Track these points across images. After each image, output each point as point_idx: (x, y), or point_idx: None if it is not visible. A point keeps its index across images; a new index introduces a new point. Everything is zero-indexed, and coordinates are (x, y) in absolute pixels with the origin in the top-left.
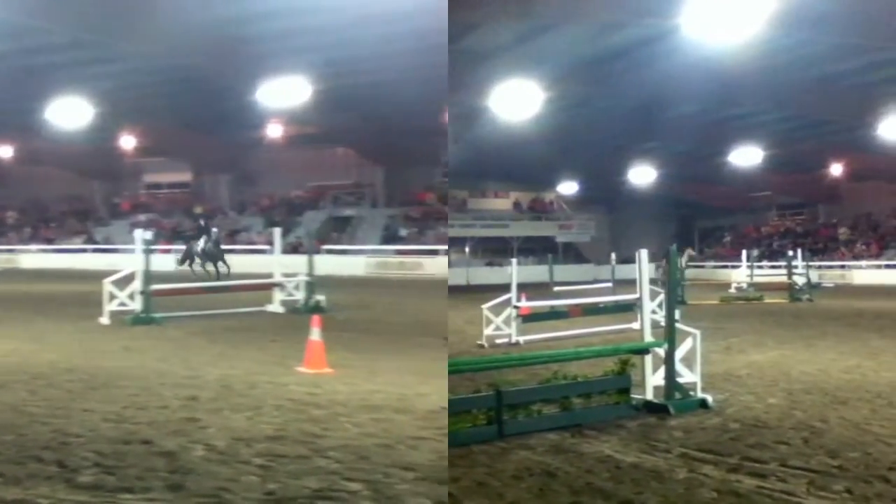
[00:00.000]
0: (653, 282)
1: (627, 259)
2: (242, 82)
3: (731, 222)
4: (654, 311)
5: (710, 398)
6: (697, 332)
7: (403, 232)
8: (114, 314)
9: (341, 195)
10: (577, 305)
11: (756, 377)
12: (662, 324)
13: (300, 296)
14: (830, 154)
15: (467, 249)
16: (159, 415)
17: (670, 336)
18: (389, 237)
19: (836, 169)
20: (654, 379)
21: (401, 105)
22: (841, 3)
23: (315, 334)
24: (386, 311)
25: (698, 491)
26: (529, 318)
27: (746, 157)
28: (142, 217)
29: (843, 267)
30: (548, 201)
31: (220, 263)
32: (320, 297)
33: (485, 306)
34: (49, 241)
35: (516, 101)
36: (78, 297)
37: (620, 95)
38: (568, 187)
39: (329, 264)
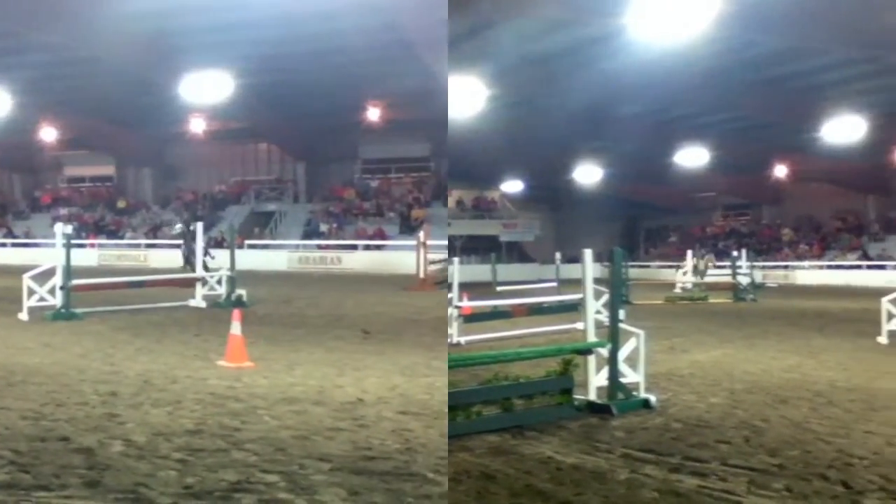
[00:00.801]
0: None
1: (573, 259)
2: (165, 76)
3: (676, 222)
4: (598, 311)
5: (652, 398)
6: (641, 333)
7: (324, 227)
8: (33, 310)
9: (263, 190)
10: (520, 305)
11: (699, 377)
12: (607, 324)
13: (222, 290)
14: (775, 155)
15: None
16: (78, 411)
17: (613, 336)
18: (311, 232)
19: (780, 170)
20: (598, 379)
21: (321, 102)
22: (788, 7)
23: (236, 328)
24: (307, 305)
25: (639, 491)
26: (471, 318)
27: (692, 157)
28: (63, 211)
29: (786, 267)
30: (491, 199)
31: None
32: (242, 292)
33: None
34: None
35: (460, 98)
36: None
37: (566, 94)
38: (512, 186)
39: (251, 259)
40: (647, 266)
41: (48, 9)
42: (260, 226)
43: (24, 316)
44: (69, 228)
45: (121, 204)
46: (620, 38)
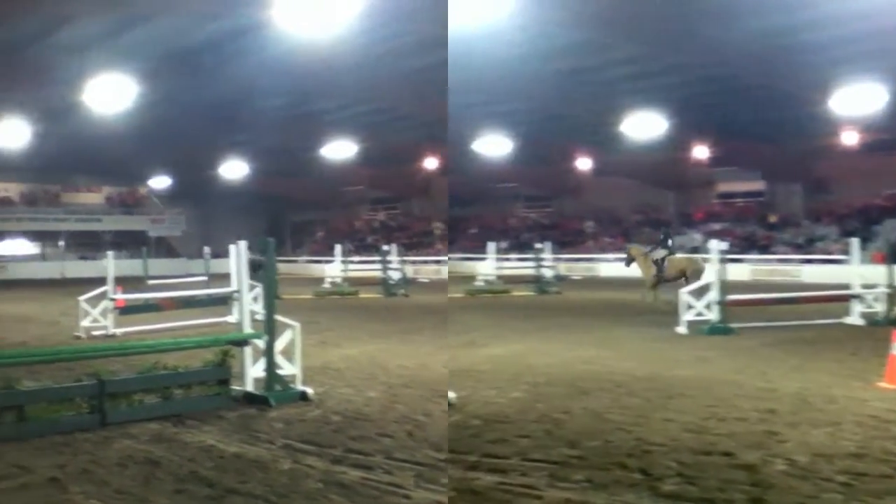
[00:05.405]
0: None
1: (219, 254)
2: (809, 90)
3: (323, 217)
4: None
5: (310, 390)
6: (297, 325)
7: None
8: (691, 324)
9: None
10: (172, 298)
11: (353, 369)
12: (259, 317)
13: (880, 308)
14: (424, 149)
15: (62, 243)
16: (738, 426)
17: (269, 328)
18: None
19: (429, 163)
20: (254, 371)
21: None
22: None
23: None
24: None
25: (304, 481)
26: (126, 311)
27: (339, 150)
28: (716, 226)
29: (438, 262)
30: (140, 195)
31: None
32: None
33: (81, 298)
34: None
35: (110, 95)
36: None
37: (210, 88)
38: (160, 181)
39: None
40: (295, 261)
41: (684, 31)
42: None
43: (682, 329)
44: (724, 244)
45: (771, 219)
46: (266, 30)
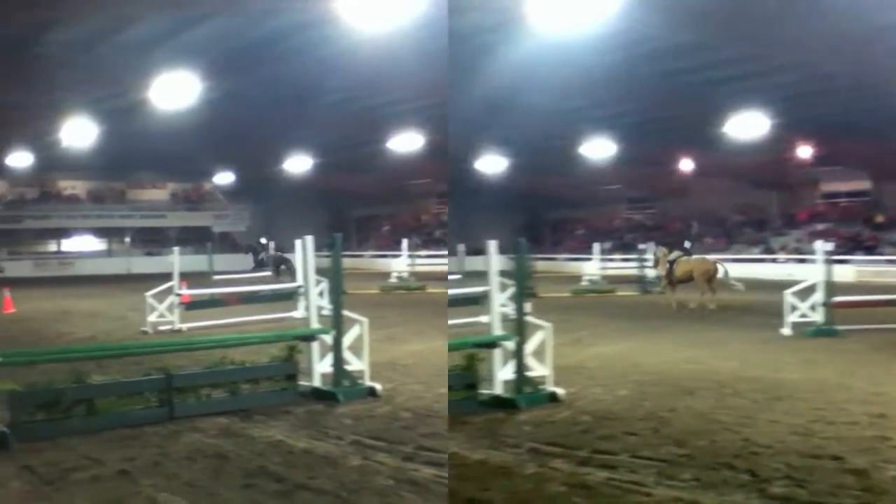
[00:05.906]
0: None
1: (283, 248)
2: None
3: (388, 211)
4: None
5: (378, 387)
6: (365, 320)
7: None
8: (795, 325)
9: None
10: (238, 293)
11: (422, 365)
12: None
13: None
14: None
15: (128, 240)
16: (848, 431)
17: (337, 323)
18: None
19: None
20: (322, 366)
21: None
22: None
23: None
24: None
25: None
26: (192, 306)
27: (404, 144)
28: (819, 227)
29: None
30: (205, 191)
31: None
32: None
33: (148, 294)
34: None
35: (175, 93)
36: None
37: (274, 83)
38: (224, 177)
39: None
40: (361, 255)
41: (787, 31)
42: None
43: (786, 331)
44: (829, 245)
45: (878, 219)
46: (329, 24)
